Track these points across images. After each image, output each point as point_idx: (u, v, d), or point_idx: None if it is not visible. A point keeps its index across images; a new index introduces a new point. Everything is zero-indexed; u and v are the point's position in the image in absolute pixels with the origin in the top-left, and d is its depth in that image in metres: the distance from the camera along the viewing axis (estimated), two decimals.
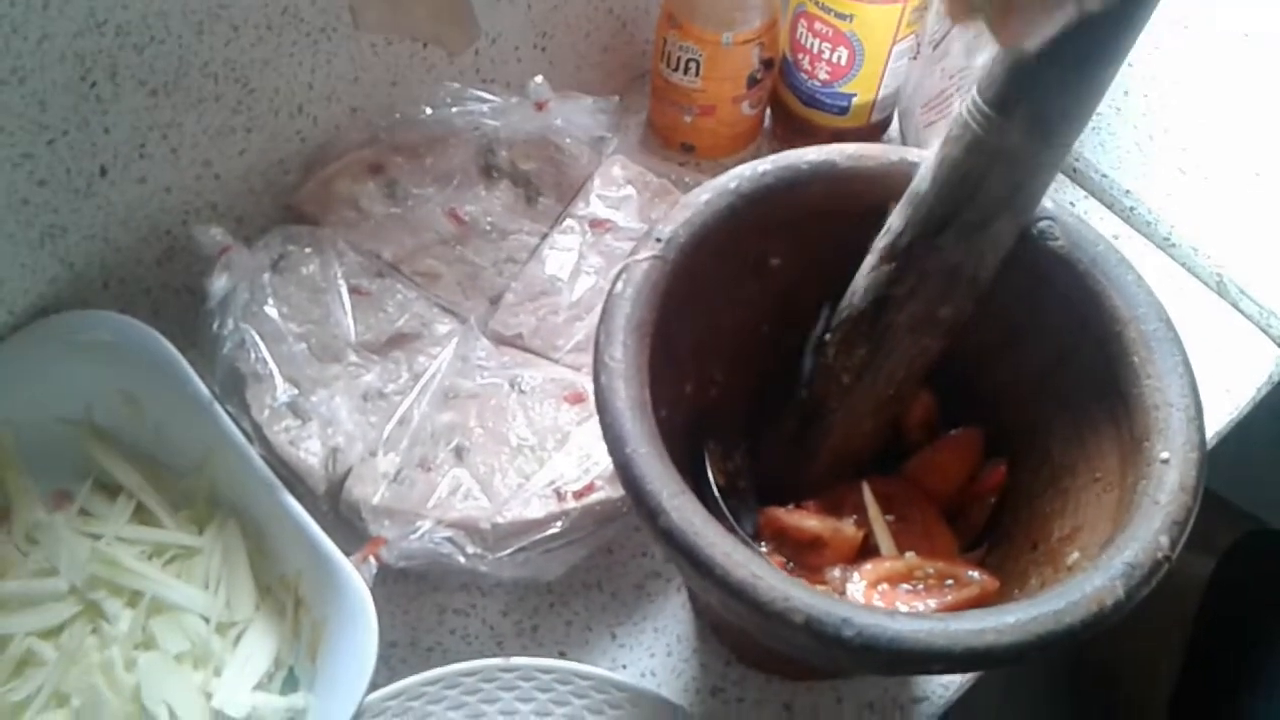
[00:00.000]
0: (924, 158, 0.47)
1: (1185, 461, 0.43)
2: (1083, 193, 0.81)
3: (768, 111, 0.80)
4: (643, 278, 0.47)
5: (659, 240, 0.48)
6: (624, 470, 0.42)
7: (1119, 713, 0.97)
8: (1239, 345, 0.74)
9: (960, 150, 0.44)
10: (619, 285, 0.47)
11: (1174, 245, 0.78)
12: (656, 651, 0.60)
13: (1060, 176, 0.82)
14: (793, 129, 0.77)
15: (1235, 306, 0.76)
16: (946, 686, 0.59)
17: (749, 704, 0.58)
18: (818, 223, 0.51)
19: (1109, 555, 0.41)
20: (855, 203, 0.50)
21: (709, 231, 0.49)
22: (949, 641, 0.38)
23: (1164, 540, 0.41)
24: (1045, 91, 0.41)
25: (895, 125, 0.80)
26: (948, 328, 0.49)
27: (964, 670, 0.41)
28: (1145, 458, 0.44)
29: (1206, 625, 0.88)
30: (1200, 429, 0.44)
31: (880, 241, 0.48)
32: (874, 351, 0.50)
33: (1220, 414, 0.71)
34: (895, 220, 0.48)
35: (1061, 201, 0.50)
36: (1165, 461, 0.43)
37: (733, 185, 0.49)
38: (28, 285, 0.59)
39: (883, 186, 0.50)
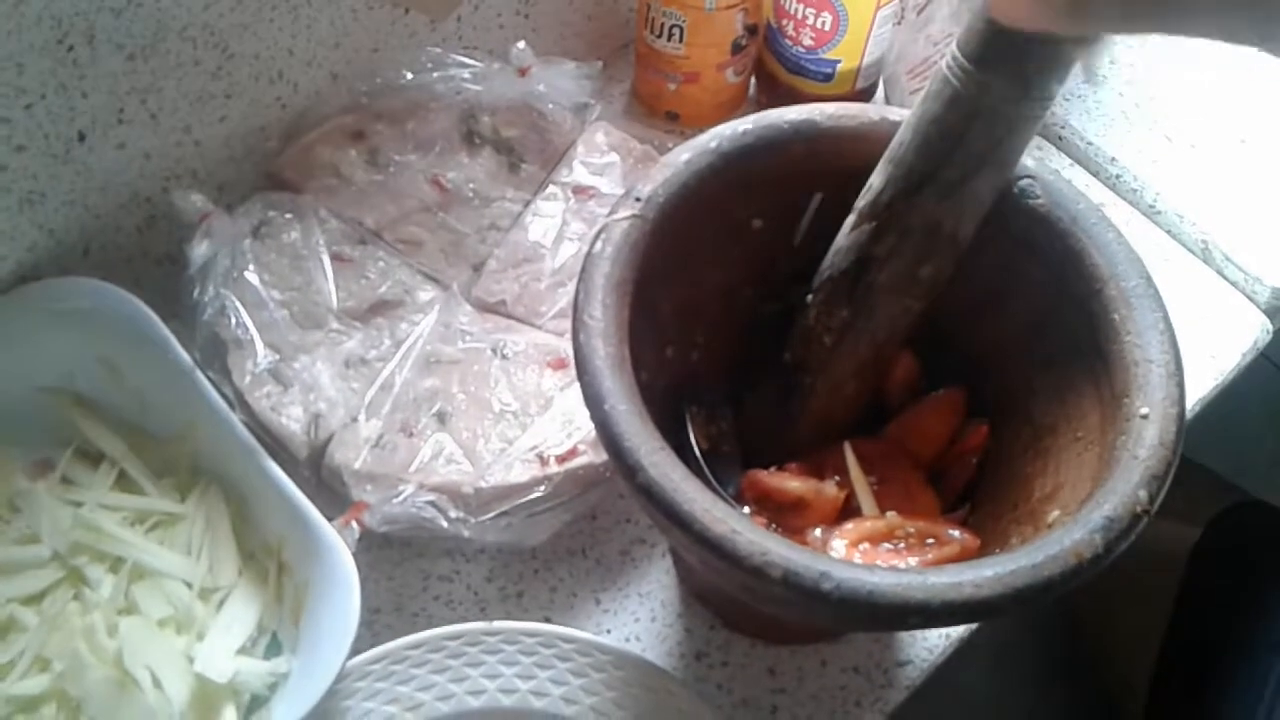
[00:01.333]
0: (905, 116, 0.47)
1: (1165, 417, 0.43)
2: (1068, 160, 0.81)
3: (753, 80, 0.80)
4: (622, 237, 0.47)
5: (638, 199, 0.47)
6: (602, 427, 0.42)
7: (1103, 680, 0.98)
8: (1224, 311, 0.74)
9: (940, 106, 0.44)
10: (598, 245, 0.46)
11: (1159, 213, 0.78)
12: (641, 617, 0.60)
13: (1045, 144, 0.82)
14: (777, 97, 0.77)
15: (1220, 273, 0.76)
16: (931, 650, 0.59)
17: (733, 668, 0.58)
18: (799, 183, 0.51)
19: (1088, 510, 0.41)
20: (837, 162, 0.50)
21: (689, 191, 0.49)
22: (927, 594, 0.38)
23: (1143, 494, 0.41)
24: (1025, 44, 0.41)
25: (880, 94, 0.79)
26: (929, 287, 0.49)
27: (942, 624, 0.41)
28: (1125, 414, 0.44)
29: (1191, 595, 0.88)
30: (1180, 385, 0.44)
31: (861, 201, 0.48)
32: (855, 312, 0.50)
33: (1205, 380, 0.71)
34: (876, 179, 0.47)
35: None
36: (1145, 417, 0.43)
37: (713, 145, 0.49)
38: (6, 252, 0.59)
39: (864, 145, 0.49)
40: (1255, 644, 0.80)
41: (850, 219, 0.49)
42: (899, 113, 0.50)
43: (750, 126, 0.50)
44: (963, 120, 0.43)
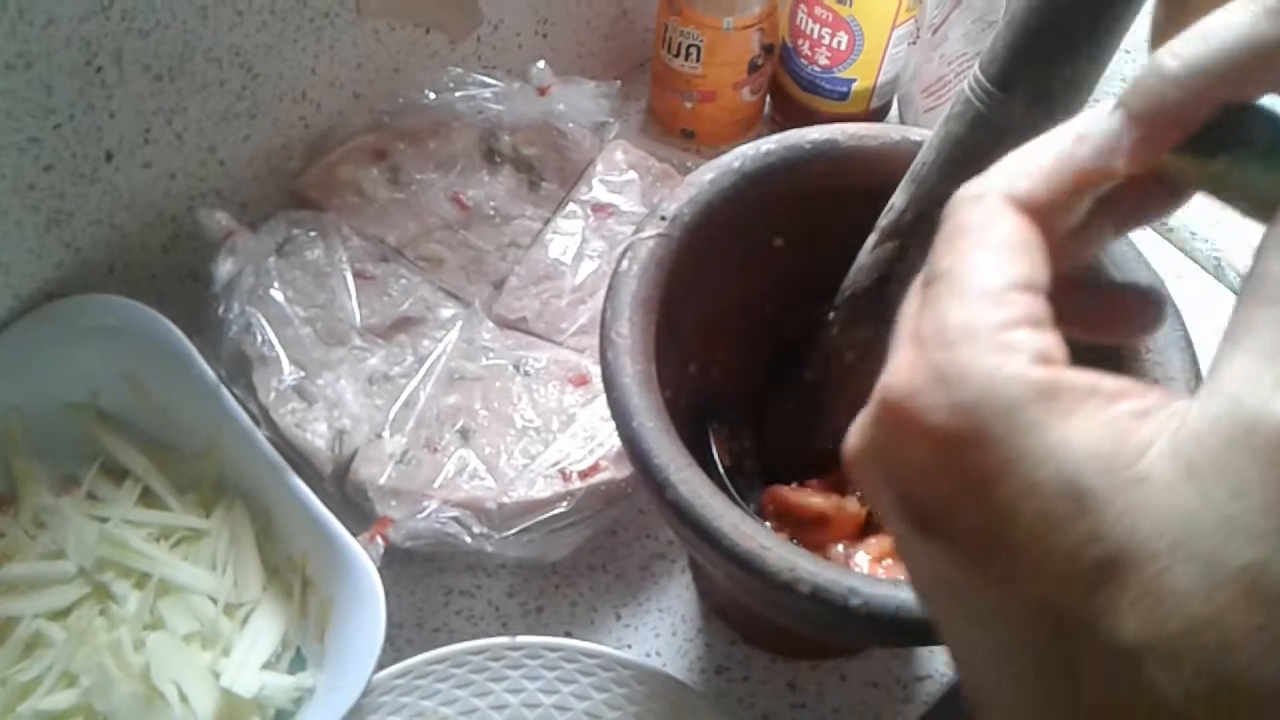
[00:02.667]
0: (926, 136, 0.48)
1: None
2: None
3: (768, 98, 0.80)
4: (648, 255, 0.47)
5: (664, 218, 0.48)
6: (631, 444, 0.42)
7: None
8: None
9: (963, 127, 0.44)
10: (624, 263, 0.47)
11: (1171, 229, 0.78)
12: (661, 632, 0.60)
13: None
14: (793, 115, 0.78)
15: (1233, 290, 0.76)
16: (950, 665, 0.60)
17: (754, 683, 0.59)
18: (821, 202, 0.51)
19: None
20: (858, 181, 0.51)
21: (713, 210, 0.49)
22: None
23: None
24: (1048, 66, 0.41)
25: (895, 112, 0.80)
26: None
27: None
28: None
29: None
30: None
31: (884, 220, 0.49)
32: (878, 330, 0.50)
33: None
34: (898, 198, 0.48)
35: None
36: None
37: (736, 164, 0.50)
38: (34, 270, 0.59)
39: (885, 165, 0.50)
40: None
41: (873, 237, 0.49)
42: (920, 133, 0.50)
43: (773, 146, 0.50)
44: (986, 141, 0.44)
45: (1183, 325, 0.46)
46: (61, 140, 0.56)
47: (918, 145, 0.48)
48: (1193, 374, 0.45)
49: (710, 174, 0.50)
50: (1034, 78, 0.42)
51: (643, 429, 0.42)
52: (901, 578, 0.48)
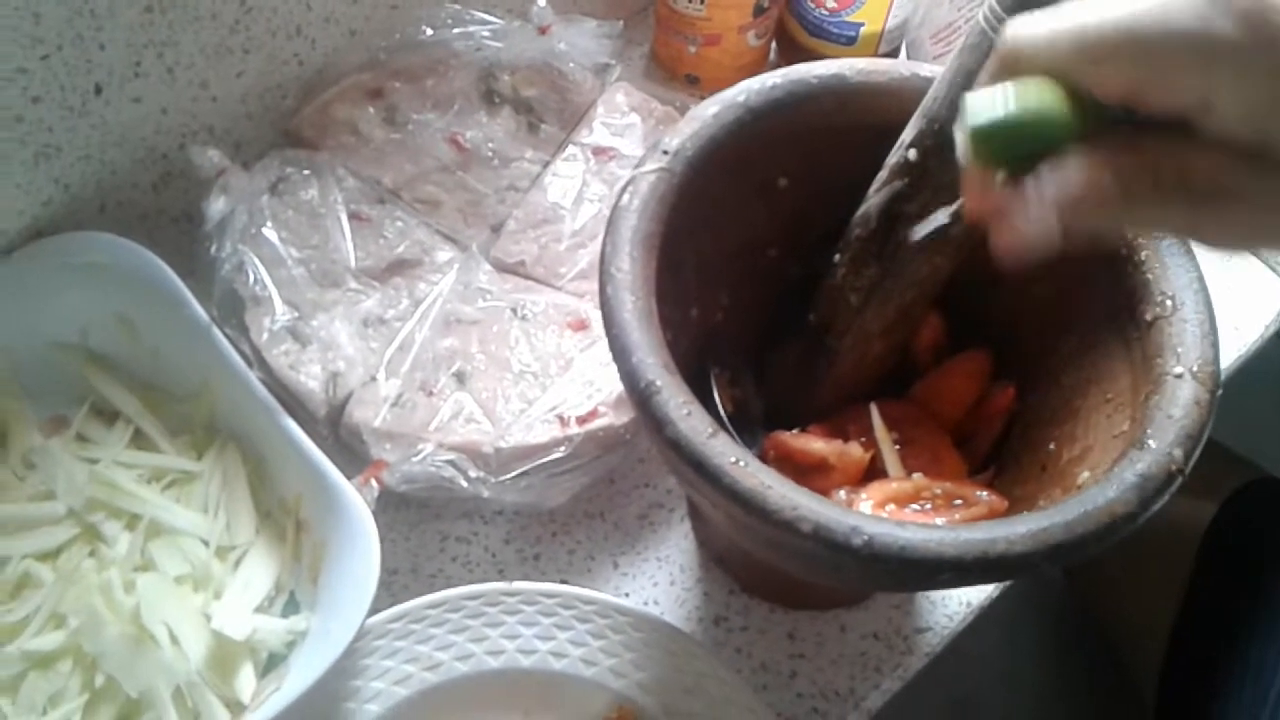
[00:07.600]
0: (936, 73, 0.46)
1: (1200, 376, 0.42)
2: None
3: (774, 43, 0.79)
4: (649, 190, 0.46)
5: (666, 153, 0.47)
6: (630, 380, 0.41)
7: (1117, 658, 0.98)
8: (1247, 283, 0.74)
9: (977, 60, 0.43)
10: (625, 197, 0.46)
11: None
12: (659, 581, 0.59)
13: None
14: (799, 61, 0.76)
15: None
16: (950, 618, 0.59)
17: (753, 633, 0.58)
18: (827, 140, 0.50)
19: (1121, 468, 0.40)
20: (865, 118, 0.49)
21: (717, 146, 0.48)
22: (959, 550, 0.38)
23: (1178, 453, 0.40)
24: None
25: (903, 59, 0.78)
26: (959, 246, 0.48)
27: (974, 581, 0.40)
28: (1157, 374, 0.43)
29: (1206, 572, 0.87)
30: (1215, 345, 0.43)
31: (892, 157, 0.47)
32: (884, 271, 0.49)
33: (1229, 352, 0.70)
34: (908, 134, 0.47)
35: None
36: (1179, 376, 0.42)
37: (741, 99, 0.48)
38: (22, 207, 0.58)
39: (894, 102, 0.49)
40: (1271, 621, 0.79)
41: (881, 175, 0.48)
42: (929, 69, 0.49)
43: (779, 80, 0.49)
44: None
45: (1197, 268, 0.45)
46: (50, 71, 0.55)
47: (927, 82, 0.47)
48: (1206, 317, 0.44)
49: (714, 108, 0.48)
50: (1049, 7, 0.41)
51: (643, 365, 0.41)
52: (905, 519, 0.47)
